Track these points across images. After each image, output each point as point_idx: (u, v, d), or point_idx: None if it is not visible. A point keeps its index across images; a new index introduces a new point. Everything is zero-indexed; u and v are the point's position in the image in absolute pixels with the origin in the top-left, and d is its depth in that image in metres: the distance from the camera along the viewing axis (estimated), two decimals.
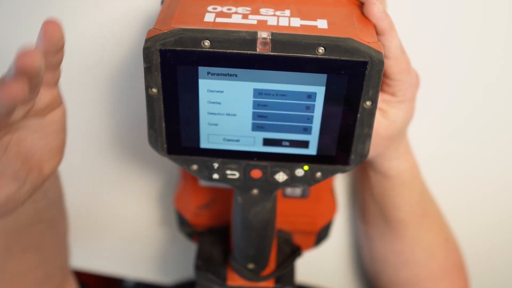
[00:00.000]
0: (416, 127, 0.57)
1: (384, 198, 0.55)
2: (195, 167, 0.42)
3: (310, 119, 0.39)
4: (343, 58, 0.35)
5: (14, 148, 0.41)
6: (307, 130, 0.40)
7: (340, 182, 0.65)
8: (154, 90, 0.38)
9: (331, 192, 0.58)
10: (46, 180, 0.44)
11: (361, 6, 0.41)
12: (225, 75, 0.37)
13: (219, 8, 0.38)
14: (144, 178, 0.66)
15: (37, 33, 0.36)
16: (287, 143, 0.41)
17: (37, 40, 0.36)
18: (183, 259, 0.71)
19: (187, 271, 0.72)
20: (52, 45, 0.36)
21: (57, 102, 0.42)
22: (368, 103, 0.38)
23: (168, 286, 0.73)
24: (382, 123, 0.47)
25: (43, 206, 0.52)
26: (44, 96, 0.40)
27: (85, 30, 0.56)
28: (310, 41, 0.35)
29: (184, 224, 0.58)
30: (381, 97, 0.46)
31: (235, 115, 0.39)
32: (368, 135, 0.40)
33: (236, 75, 0.37)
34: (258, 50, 0.35)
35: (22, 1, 0.56)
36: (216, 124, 0.40)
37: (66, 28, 0.57)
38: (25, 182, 0.41)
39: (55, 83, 0.40)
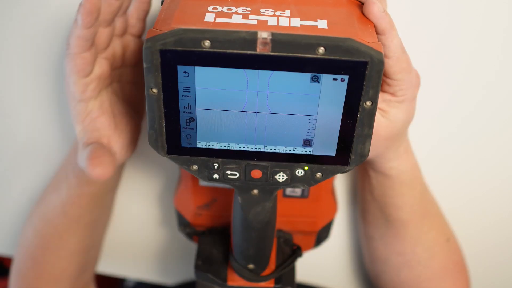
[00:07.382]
0: (416, 127, 0.57)
1: (385, 198, 0.55)
2: (195, 167, 0.42)
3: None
4: (343, 58, 0.35)
5: (120, 93, 0.49)
6: None
7: (340, 182, 0.65)
8: (155, 90, 0.38)
9: (331, 192, 0.58)
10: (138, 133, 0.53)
11: (361, 6, 0.40)
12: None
13: (219, 8, 0.38)
14: (144, 178, 0.66)
15: None
16: None
17: None
18: (183, 259, 0.71)
19: (187, 271, 0.72)
20: None
21: None
22: (368, 103, 0.38)
23: (169, 287, 0.73)
24: (382, 123, 0.47)
25: (114, 174, 0.56)
26: (133, 44, 0.48)
27: None
28: (310, 41, 0.35)
29: (184, 224, 0.58)
30: (381, 96, 0.46)
31: None
32: (368, 135, 0.40)
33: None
34: (258, 50, 0.35)
35: None
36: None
37: (66, 28, 0.57)
38: (136, 121, 0.51)
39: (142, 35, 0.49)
